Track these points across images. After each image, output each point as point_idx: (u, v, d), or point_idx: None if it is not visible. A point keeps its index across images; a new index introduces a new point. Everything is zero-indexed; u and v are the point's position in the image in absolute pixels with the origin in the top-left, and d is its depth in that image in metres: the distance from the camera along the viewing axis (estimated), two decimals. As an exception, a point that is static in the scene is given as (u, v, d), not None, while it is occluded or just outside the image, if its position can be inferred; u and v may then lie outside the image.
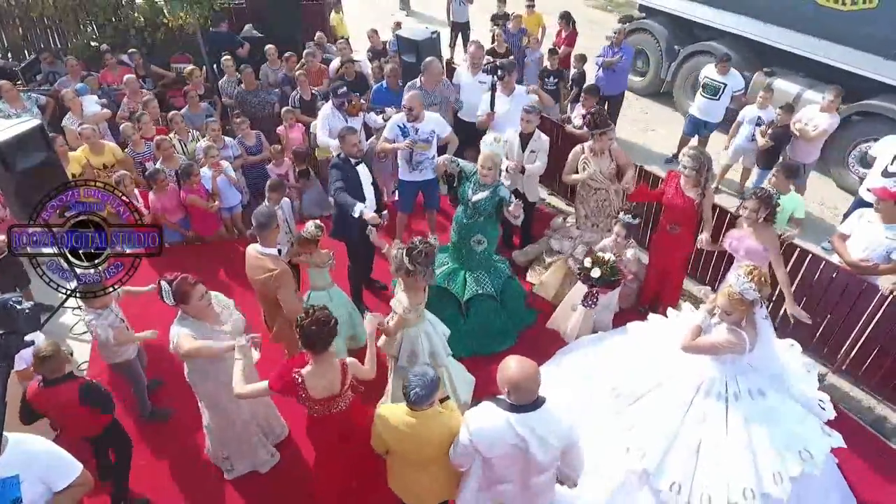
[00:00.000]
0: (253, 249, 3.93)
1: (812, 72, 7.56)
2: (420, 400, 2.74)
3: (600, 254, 4.44)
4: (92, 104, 6.82)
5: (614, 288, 4.52)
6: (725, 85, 7.11)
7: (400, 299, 3.67)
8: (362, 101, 6.08)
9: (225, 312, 3.53)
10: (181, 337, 3.23)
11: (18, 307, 2.02)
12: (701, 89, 7.37)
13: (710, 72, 7.26)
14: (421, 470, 2.98)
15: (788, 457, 3.11)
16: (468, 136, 6.07)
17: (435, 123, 5.33)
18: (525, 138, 5.19)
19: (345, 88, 5.83)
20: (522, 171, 5.17)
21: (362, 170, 4.71)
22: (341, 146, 4.68)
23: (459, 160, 4.75)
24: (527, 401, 2.54)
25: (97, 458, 3.79)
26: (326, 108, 5.84)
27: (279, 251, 3.97)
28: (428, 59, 6.05)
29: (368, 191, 4.75)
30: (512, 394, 2.54)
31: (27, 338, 2.13)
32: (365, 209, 4.44)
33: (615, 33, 7.90)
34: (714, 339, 3.18)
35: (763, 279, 3.10)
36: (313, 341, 2.89)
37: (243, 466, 3.96)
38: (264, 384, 3.02)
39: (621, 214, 4.49)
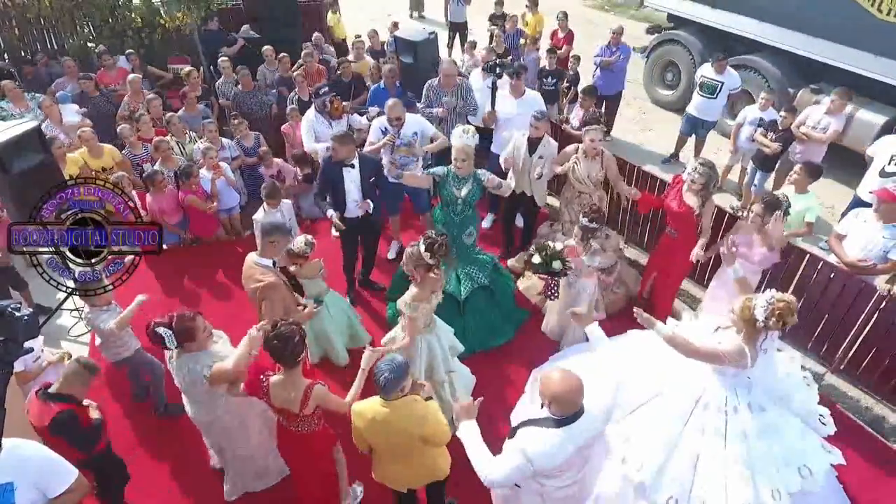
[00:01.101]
0: (250, 258, 3.90)
1: (865, 90, 6.91)
2: (390, 384, 2.75)
3: (549, 243, 4.46)
4: (71, 113, 6.72)
5: (555, 276, 4.44)
6: (722, 83, 7.11)
7: (405, 297, 3.66)
8: (344, 102, 6.03)
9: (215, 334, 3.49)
10: (214, 370, 3.13)
11: (17, 314, 2.01)
12: (698, 88, 7.36)
13: (707, 70, 7.27)
14: (400, 460, 3.00)
15: (787, 473, 3.09)
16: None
17: (416, 125, 5.32)
18: (533, 143, 5.19)
19: (326, 89, 5.80)
20: (539, 175, 5.17)
21: (350, 173, 4.71)
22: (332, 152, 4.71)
23: (429, 169, 4.81)
24: (571, 412, 2.54)
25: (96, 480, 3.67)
26: (310, 114, 5.83)
27: (273, 263, 3.94)
28: (444, 59, 6.04)
29: (353, 194, 4.75)
30: (556, 407, 2.54)
31: (25, 344, 2.12)
32: (333, 214, 4.70)
33: (614, 33, 7.92)
34: (716, 346, 3.12)
35: (783, 318, 2.97)
36: (276, 355, 2.89)
37: (275, 473, 3.88)
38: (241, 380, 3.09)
39: (580, 217, 4.40)
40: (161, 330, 3.11)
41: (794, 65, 7.67)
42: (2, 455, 2.20)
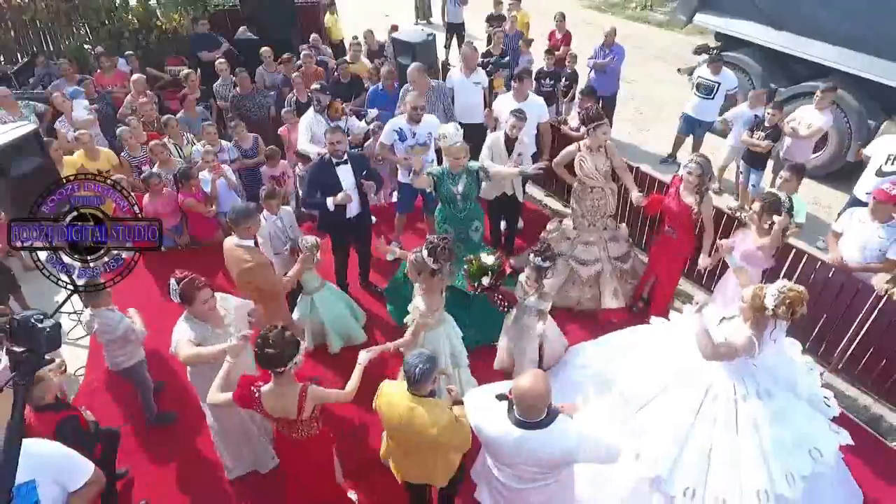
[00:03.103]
0: (230, 241, 3.91)
1: None
2: (425, 375, 2.74)
3: (483, 255, 4.20)
4: (80, 109, 6.73)
5: (486, 290, 4.19)
6: (719, 84, 7.15)
7: (417, 304, 3.66)
8: (344, 104, 6.05)
9: (229, 315, 3.52)
10: (180, 345, 3.25)
11: (39, 325, 1.99)
12: (695, 89, 7.39)
13: (703, 71, 7.31)
14: (413, 454, 3.00)
15: (799, 456, 3.12)
16: (465, 137, 6.06)
17: (430, 126, 5.33)
18: (510, 141, 5.21)
19: (318, 86, 5.82)
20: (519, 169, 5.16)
21: (343, 171, 4.70)
22: (327, 145, 4.71)
23: (427, 170, 4.83)
24: (530, 418, 2.50)
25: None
26: (309, 115, 5.83)
27: (254, 243, 3.97)
28: (412, 65, 5.96)
29: (349, 192, 4.74)
30: (515, 406, 2.51)
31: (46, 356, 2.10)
32: (333, 199, 4.57)
33: (607, 35, 7.93)
34: (733, 343, 3.13)
35: (794, 307, 2.98)
36: (263, 360, 2.82)
37: (243, 467, 3.94)
38: (229, 395, 2.96)
39: (531, 256, 4.17)
40: (173, 281, 3.26)
41: (872, 94, 6.73)
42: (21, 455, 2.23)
